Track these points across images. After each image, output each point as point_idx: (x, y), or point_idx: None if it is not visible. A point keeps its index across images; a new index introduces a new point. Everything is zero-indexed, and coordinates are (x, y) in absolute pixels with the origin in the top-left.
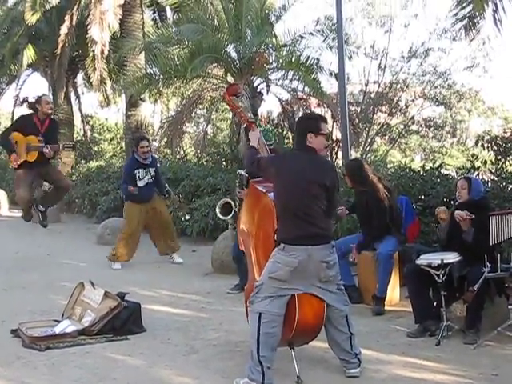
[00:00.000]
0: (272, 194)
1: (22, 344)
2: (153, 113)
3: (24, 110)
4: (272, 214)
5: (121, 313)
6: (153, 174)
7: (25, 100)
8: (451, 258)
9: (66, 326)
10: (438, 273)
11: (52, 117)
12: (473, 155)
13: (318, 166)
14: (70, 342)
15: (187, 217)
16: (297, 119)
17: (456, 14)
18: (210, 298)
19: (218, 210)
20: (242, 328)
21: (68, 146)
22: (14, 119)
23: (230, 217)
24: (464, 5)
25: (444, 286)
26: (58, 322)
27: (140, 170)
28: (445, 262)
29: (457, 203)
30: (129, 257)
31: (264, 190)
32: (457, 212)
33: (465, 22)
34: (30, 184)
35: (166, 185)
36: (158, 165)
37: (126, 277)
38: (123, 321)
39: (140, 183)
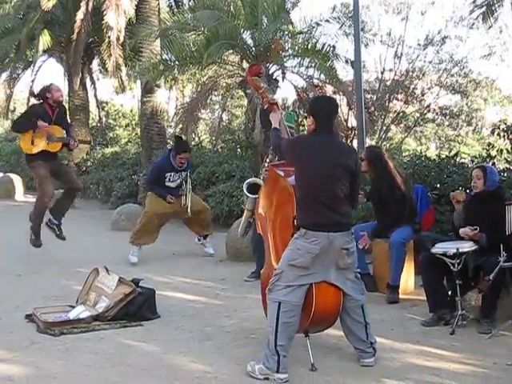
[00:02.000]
0: (291, 178)
1: (36, 329)
2: (168, 99)
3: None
4: (291, 198)
5: (135, 299)
6: (184, 177)
7: (31, 93)
8: (467, 246)
9: (81, 312)
10: (453, 261)
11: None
12: (489, 144)
13: (342, 149)
14: (85, 328)
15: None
16: (315, 100)
17: (474, 1)
18: (224, 285)
19: (245, 187)
20: (256, 315)
21: (85, 141)
22: (25, 109)
23: (254, 196)
24: None
25: (459, 274)
26: (73, 307)
27: (172, 174)
28: (460, 250)
29: (472, 193)
30: (144, 241)
31: (283, 174)
32: (462, 231)
33: (483, 9)
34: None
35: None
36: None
37: (140, 263)
38: (137, 307)
39: (170, 184)
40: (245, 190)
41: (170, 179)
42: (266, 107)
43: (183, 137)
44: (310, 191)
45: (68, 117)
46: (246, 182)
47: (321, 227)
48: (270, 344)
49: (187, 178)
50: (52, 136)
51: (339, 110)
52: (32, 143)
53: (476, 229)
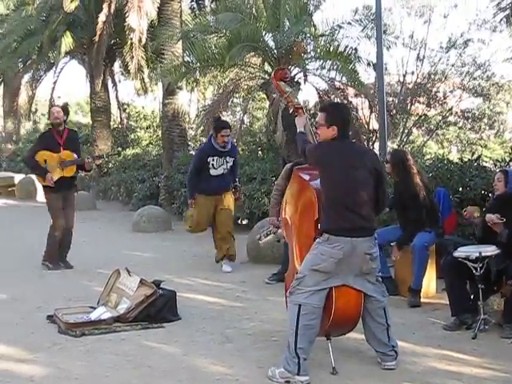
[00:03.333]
0: (316, 181)
1: (57, 330)
2: (189, 101)
3: (61, 99)
4: (314, 204)
5: (156, 300)
6: (230, 163)
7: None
8: (489, 250)
9: (102, 313)
10: (475, 266)
11: (72, 128)
12: (511, 148)
13: (365, 152)
14: (106, 329)
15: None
16: (335, 107)
17: (498, 4)
18: (245, 287)
19: None
20: (277, 317)
21: (99, 156)
22: (36, 139)
23: None
24: None
25: (482, 279)
26: (94, 308)
27: (215, 158)
28: (483, 254)
29: (494, 196)
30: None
31: (307, 178)
32: (487, 216)
33: (506, 12)
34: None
35: (237, 179)
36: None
37: (161, 264)
38: (159, 308)
39: (213, 172)
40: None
41: (214, 165)
42: (291, 111)
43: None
44: (335, 195)
45: (90, 120)
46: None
47: (344, 232)
48: (291, 347)
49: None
50: (64, 161)
51: (361, 112)
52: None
53: (503, 219)
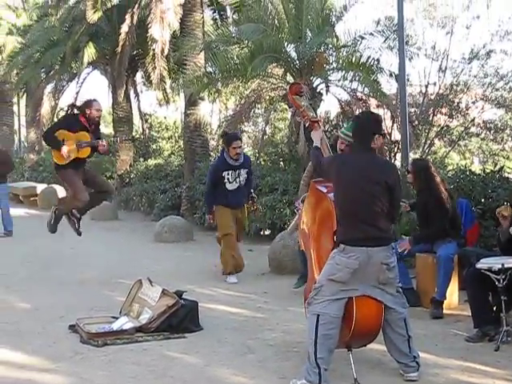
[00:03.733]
0: (332, 194)
1: (79, 340)
2: (211, 112)
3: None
4: (332, 215)
5: (178, 311)
6: (245, 175)
7: (73, 105)
8: None
9: (124, 323)
10: (498, 277)
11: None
12: None
13: (380, 165)
14: (128, 339)
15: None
16: (357, 118)
17: None
18: (266, 298)
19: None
20: (298, 328)
21: (127, 138)
22: (59, 118)
23: None
24: None
25: (504, 290)
26: (116, 318)
27: (230, 172)
28: (506, 266)
29: None
30: (237, 266)
31: (325, 191)
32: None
33: None
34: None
35: (252, 190)
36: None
37: (183, 275)
38: (180, 319)
39: (229, 186)
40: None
41: (229, 180)
42: (307, 125)
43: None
44: (348, 208)
45: (112, 130)
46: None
47: (359, 242)
48: (311, 357)
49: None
50: (81, 142)
51: (383, 123)
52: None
53: None
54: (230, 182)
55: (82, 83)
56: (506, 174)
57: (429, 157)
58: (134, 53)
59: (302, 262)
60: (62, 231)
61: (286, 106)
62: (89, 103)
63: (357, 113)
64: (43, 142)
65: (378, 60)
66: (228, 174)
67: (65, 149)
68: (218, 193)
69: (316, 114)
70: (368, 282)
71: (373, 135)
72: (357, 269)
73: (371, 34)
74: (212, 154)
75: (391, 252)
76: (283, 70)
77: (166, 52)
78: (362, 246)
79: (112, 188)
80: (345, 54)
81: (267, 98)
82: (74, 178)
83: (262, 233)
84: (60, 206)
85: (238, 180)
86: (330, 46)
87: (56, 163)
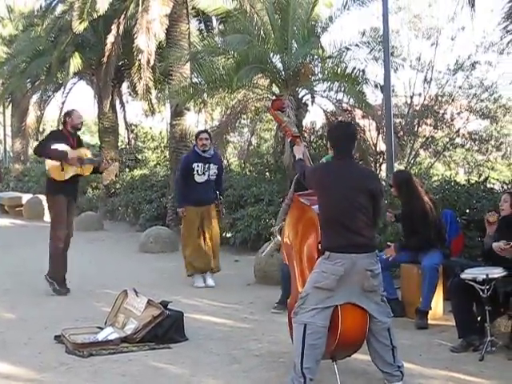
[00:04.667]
0: (316, 206)
1: (65, 350)
2: (197, 122)
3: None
4: (316, 226)
5: (163, 321)
6: (214, 170)
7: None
8: (496, 272)
9: (109, 334)
10: (482, 287)
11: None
12: None
13: (362, 173)
14: (113, 350)
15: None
16: (334, 126)
17: (505, 28)
18: (252, 309)
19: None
20: (284, 339)
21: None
22: (45, 136)
23: None
24: None
25: (488, 301)
26: (101, 329)
27: (199, 164)
28: (490, 276)
29: (500, 217)
30: (201, 266)
31: (308, 203)
32: (494, 245)
33: None
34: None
35: (218, 193)
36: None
37: (168, 285)
38: (166, 329)
39: (198, 179)
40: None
41: (198, 172)
42: (289, 140)
43: None
44: (332, 216)
45: (98, 140)
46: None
47: (344, 249)
48: (297, 367)
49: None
50: (83, 159)
51: (368, 134)
52: (62, 169)
53: (509, 244)
54: (199, 174)
55: (67, 93)
56: (491, 185)
57: (414, 167)
58: (120, 63)
59: (282, 277)
60: (47, 244)
61: (272, 117)
62: (69, 112)
63: None
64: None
65: (363, 71)
66: (198, 166)
67: (73, 154)
68: (188, 187)
69: (301, 127)
70: (353, 289)
71: (354, 142)
72: (342, 275)
73: (356, 45)
74: (219, 152)
75: (375, 259)
76: (269, 80)
77: (151, 62)
78: (346, 253)
79: (72, 235)
80: (330, 64)
81: (253, 108)
82: (61, 206)
83: (247, 243)
84: (51, 276)
85: (207, 173)
86: (316, 56)
87: (50, 181)
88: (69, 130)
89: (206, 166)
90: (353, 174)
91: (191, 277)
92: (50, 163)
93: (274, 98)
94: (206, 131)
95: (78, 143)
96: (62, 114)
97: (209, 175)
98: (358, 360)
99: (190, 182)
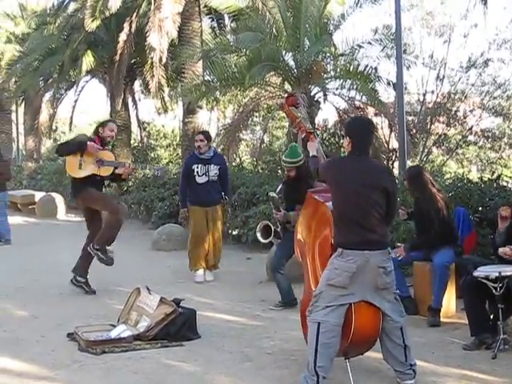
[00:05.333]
0: (330, 203)
1: (77, 348)
2: (209, 120)
3: (80, 118)
4: (329, 223)
5: (176, 319)
6: (215, 171)
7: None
8: (509, 270)
9: (122, 331)
10: (495, 285)
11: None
12: None
13: (377, 170)
14: (126, 347)
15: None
16: (355, 121)
17: None
18: (264, 306)
19: (258, 234)
20: (296, 336)
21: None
22: (73, 137)
23: (270, 239)
24: None
25: (501, 298)
26: (114, 326)
27: (199, 166)
28: (503, 274)
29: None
30: (203, 263)
31: (322, 200)
32: (500, 250)
33: None
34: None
35: (223, 193)
36: (227, 165)
37: (181, 283)
38: (178, 327)
39: (199, 180)
40: (259, 237)
41: (198, 173)
42: (303, 136)
43: None
44: (346, 212)
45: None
46: (257, 228)
47: (357, 245)
48: (310, 365)
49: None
50: (102, 160)
51: (381, 131)
52: (80, 167)
53: None
54: (199, 176)
55: (80, 91)
56: (504, 183)
57: (426, 165)
58: (133, 61)
59: (274, 277)
60: (60, 242)
61: (284, 115)
62: (104, 122)
63: None
64: (44, 151)
65: (375, 68)
66: (197, 168)
67: (93, 146)
68: (191, 188)
69: (313, 124)
70: (367, 286)
71: (371, 139)
72: (355, 273)
73: (369, 42)
74: (220, 153)
75: (388, 256)
76: (281, 78)
77: (164, 60)
78: (359, 250)
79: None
80: (342, 62)
81: (265, 106)
82: (96, 192)
83: (259, 241)
84: (98, 244)
85: (207, 174)
86: (328, 54)
87: (73, 182)
88: (102, 143)
89: (206, 167)
90: (367, 171)
91: (193, 271)
92: (68, 159)
93: (286, 95)
94: (201, 132)
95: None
96: (98, 123)
97: (209, 176)
98: (371, 358)
99: (192, 184)
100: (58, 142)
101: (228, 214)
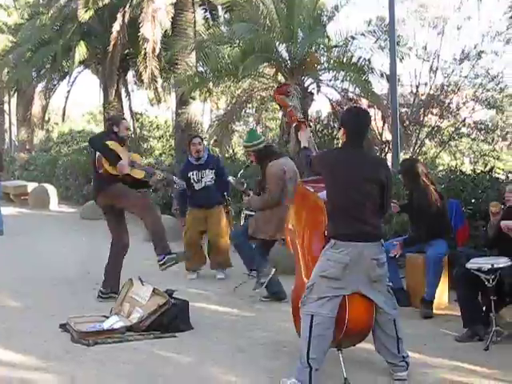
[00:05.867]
0: (321, 193)
1: (70, 339)
2: (202, 111)
3: (72, 109)
4: (322, 213)
5: (169, 310)
6: (211, 176)
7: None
8: (502, 262)
9: (115, 322)
10: (488, 277)
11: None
12: None
13: (372, 162)
14: (118, 338)
15: None
16: (353, 112)
17: (511, 17)
18: (256, 298)
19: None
20: (288, 327)
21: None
22: (98, 133)
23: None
24: None
25: (494, 290)
26: (107, 317)
27: (194, 172)
28: (495, 266)
29: (506, 206)
30: (196, 265)
31: (312, 190)
32: (503, 222)
33: None
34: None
35: (225, 194)
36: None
37: (174, 274)
38: (171, 318)
39: (197, 186)
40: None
41: (194, 180)
42: (294, 125)
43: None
44: (339, 204)
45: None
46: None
47: (350, 237)
48: (303, 357)
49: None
50: (135, 162)
51: (374, 123)
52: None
53: None
54: (196, 182)
55: (73, 82)
56: (497, 175)
57: (419, 157)
58: (126, 52)
59: (238, 252)
60: (53, 232)
61: (277, 106)
62: (117, 120)
63: None
64: (37, 142)
65: (369, 60)
66: (193, 175)
67: (124, 162)
68: (190, 194)
69: (307, 116)
70: (360, 278)
71: (365, 131)
72: (348, 264)
73: (362, 34)
74: (214, 154)
75: (381, 248)
76: (274, 69)
77: (157, 51)
78: (352, 241)
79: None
80: (336, 54)
81: (258, 97)
82: (126, 188)
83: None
84: (160, 244)
85: (203, 180)
86: (322, 46)
87: (100, 176)
88: (117, 137)
89: (201, 173)
90: (362, 163)
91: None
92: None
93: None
94: (197, 136)
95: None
96: (109, 118)
97: (205, 182)
98: (363, 349)
99: (190, 189)
100: (91, 136)
101: (232, 213)
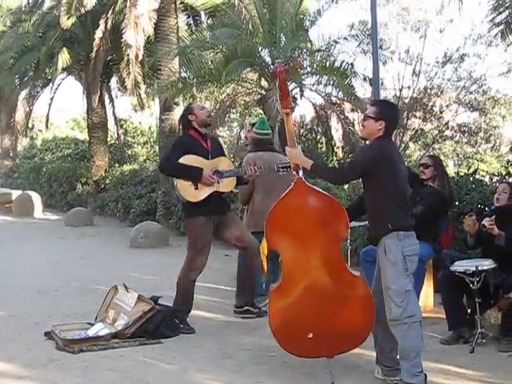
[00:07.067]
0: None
1: (55, 346)
2: None
3: (56, 115)
4: (343, 216)
5: (154, 316)
6: None
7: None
8: (486, 264)
9: (100, 329)
10: (472, 279)
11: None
12: (508, 161)
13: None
14: (103, 345)
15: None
16: (385, 105)
17: (492, 20)
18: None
19: None
20: None
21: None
22: (174, 142)
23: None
24: (501, 10)
25: (479, 292)
26: (92, 324)
27: None
28: (480, 268)
29: (493, 207)
30: None
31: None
32: (486, 220)
33: (501, 27)
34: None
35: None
36: None
37: (159, 280)
38: (156, 324)
39: None
40: None
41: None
42: (283, 112)
43: None
44: (400, 195)
45: (87, 136)
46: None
47: (412, 227)
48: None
49: None
50: (220, 171)
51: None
52: (196, 187)
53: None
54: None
55: (56, 89)
56: (480, 177)
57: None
58: (109, 58)
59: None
60: (37, 240)
61: (261, 111)
62: (189, 107)
63: (332, 117)
64: (20, 149)
65: (352, 64)
66: None
67: (206, 173)
68: None
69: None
70: None
71: (396, 124)
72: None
73: (345, 38)
74: None
75: None
76: (258, 74)
77: (140, 57)
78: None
79: (256, 245)
80: (319, 58)
81: (242, 102)
82: (204, 228)
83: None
84: (178, 301)
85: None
86: (304, 50)
87: (186, 204)
88: (198, 130)
89: None
90: (399, 154)
91: None
92: (179, 182)
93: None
94: None
95: (213, 146)
96: (181, 114)
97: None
98: (350, 353)
99: None
100: (162, 156)
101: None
